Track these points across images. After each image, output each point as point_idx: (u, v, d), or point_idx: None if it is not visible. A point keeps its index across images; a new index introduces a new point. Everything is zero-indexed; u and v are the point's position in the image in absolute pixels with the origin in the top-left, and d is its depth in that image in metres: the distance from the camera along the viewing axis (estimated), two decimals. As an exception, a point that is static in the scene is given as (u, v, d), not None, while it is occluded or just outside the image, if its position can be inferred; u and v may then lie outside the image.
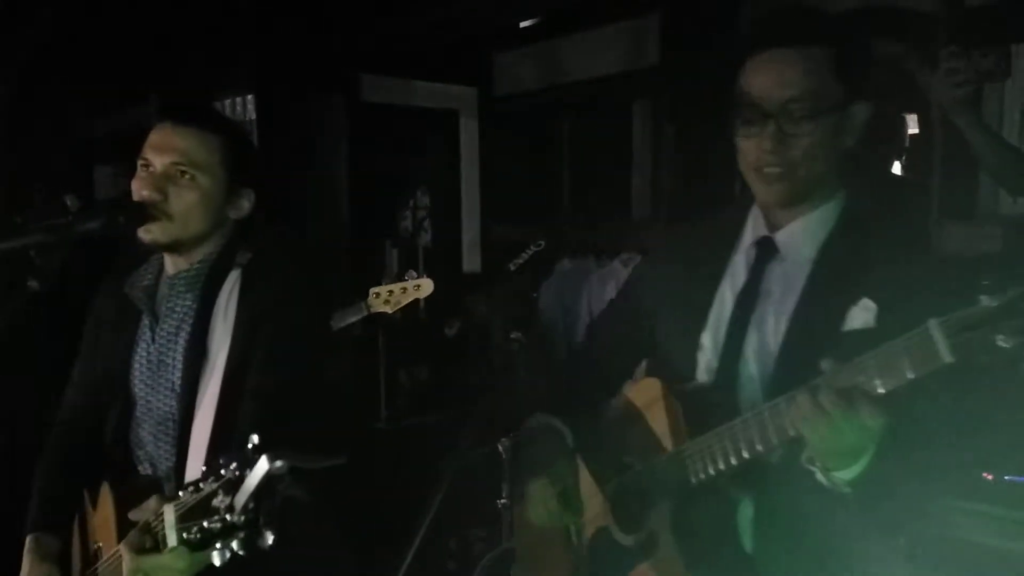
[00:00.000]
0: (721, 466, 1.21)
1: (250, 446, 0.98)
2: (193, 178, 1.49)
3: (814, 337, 1.24)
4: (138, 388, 1.56)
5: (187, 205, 1.49)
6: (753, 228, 1.41)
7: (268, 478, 0.94)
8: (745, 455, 1.19)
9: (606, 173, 4.65)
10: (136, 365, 1.57)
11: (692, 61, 3.98)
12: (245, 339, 1.49)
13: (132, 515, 1.22)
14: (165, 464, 1.53)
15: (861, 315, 1.22)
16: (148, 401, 1.55)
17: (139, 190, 1.48)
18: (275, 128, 4.20)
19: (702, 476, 1.24)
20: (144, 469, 1.57)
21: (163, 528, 1.08)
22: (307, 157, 4.32)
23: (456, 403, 4.69)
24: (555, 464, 1.46)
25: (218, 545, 0.97)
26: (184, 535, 1.01)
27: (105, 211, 1.42)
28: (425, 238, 5.01)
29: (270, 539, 0.95)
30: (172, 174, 1.48)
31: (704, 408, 1.28)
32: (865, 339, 1.11)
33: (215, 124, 1.53)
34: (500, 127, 5.03)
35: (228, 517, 0.96)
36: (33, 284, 1.31)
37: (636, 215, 4.48)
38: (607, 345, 1.55)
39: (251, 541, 0.96)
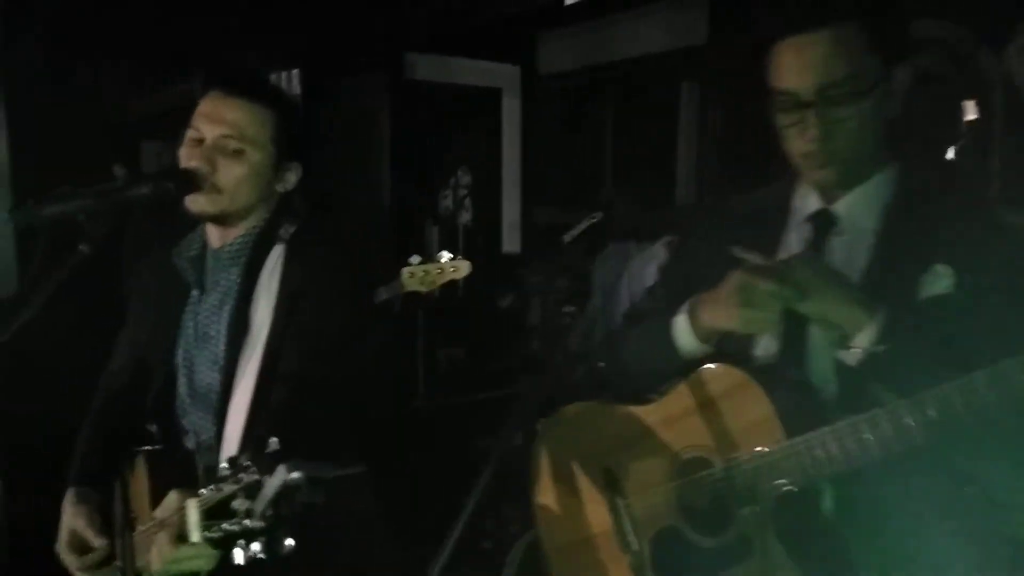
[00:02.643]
0: (831, 468, 1.16)
1: (269, 450, 1.01)
2: (242, 151, 1.48)
3: None
4: (182, 358, 1.57)
5: (236, 178, 1.48)
6: (804, 203, 1.36)
7: (285, 487, 0.96)
8: (860, 459, 1.14)
9: (650, 155, 4.58)
10: (181, 336, 1.57)
11: (742, 41, 3.89)
12: (286, 314, 1.49)
13: (158, 512, 1.26)
14: (207, 434, 1.54)
15: (937, 281, 1.18)
16: (191, 372, 1.56)
17: (188, 159, 1.47)
18: (320, 104, 4.20)
19: (807, 477, 1.18)
20: (187, 439, 1.58)
21: (186, 522, 1.12)
22: (350, 134, 4.32)
23: (494, 383, 4.70)
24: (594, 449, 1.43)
25: (240, 543, 1.00)
26: (206, 532, 1.05)
27: (155, 178, 1.42)
28: (465, 217, 4.99)
29: (289, 545, 0.99)
30: (222, 146, 1.47)
31: (791, 399, 1.22)
32: (945, 305, 1.08)
33: (267, 96, 1.52)
34: (543, 107, 4.97)
35: (247, 522, 0.99)
36: (84, 248, 1.31)
37: (680, 198, 4.41)
38: (649, 331, 1.49)
39: (271, 546, 0.99)
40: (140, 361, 1.65)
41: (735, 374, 1.25)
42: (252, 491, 1.00)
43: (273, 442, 1.02)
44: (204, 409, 1.53)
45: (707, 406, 1.27)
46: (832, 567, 1.20)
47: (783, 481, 1.19)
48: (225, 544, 1.02)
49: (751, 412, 1.22)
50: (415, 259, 3.24)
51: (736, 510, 1.25)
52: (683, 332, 1.35)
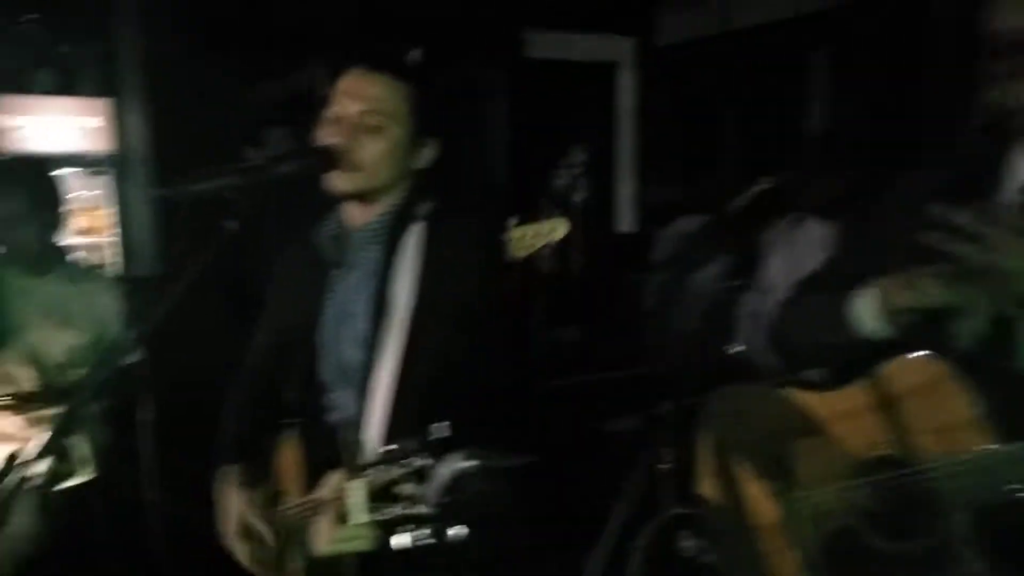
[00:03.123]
0: None
1: (438, 436, 0.99)
2: (382, 127, 1.46)
3: None
4: (324, 336, 1.57)
5: (376, 155, 1.46)
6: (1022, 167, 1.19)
7: (460, 475, 0.95)
8: None
9: (776, 128, 4.36)
10: (324, 314, 1.57)
11: (878, 3, 3.64)
12: (429, 292, 1.46)
13: (321, 492, 1.26)
14: (350, 411, 1.53)
15: None
16: (334, 350, 1.56)
17: (331, 136, 1.46)
18: (439, 86, 4.20)
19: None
20: (330, 415, 1.58)
21: (349, 503, 1.11)
22: (468, 113, 4.31)
23: (611, 364, 4.62)
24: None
25: (408, 527, 1.00)
26: (373, 515, 1.04)
27: (298, 155, 1.42)
28: (580, 196, 4.90)
29: (461, 532, 0.98)
30: (362, 122, 1.45)
31: (1002, 396, 1.09)
32: None
33: (407, 71, 1.49)
34: (660, 80, 4.82)
35: (419, 509, 0.99)
36: (231, 225, 1.32)
37: (808, 173, 4.18)
38: (822, 306, 1.35)
39: (442, 532, 0.98)
40: (283, 338, 1.67)
41: (938, 365, 1.12)
42: (421, 476, 0.98)
43: (441, 427, 0.98)
44: (348, 386, 1.53)
45: (902, 399, 1.15)
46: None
47: (992, 489, 1.06)
48: (391, 527, 1.00)
49: (955, 409, 1.09)
50: (512, 223, 3.21)
51: (930, 516, 1.13)
52: (867, 311, 1.22)
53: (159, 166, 4.03)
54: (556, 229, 3.24)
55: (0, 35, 4.63)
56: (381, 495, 1.02)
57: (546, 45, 4.54)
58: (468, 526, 0.96)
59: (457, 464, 0.94)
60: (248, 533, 1.56)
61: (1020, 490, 1.03)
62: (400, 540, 0.99)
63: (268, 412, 1.64)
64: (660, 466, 2.97)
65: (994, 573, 1.08)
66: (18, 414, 2.35)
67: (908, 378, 1.16)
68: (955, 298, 1.10)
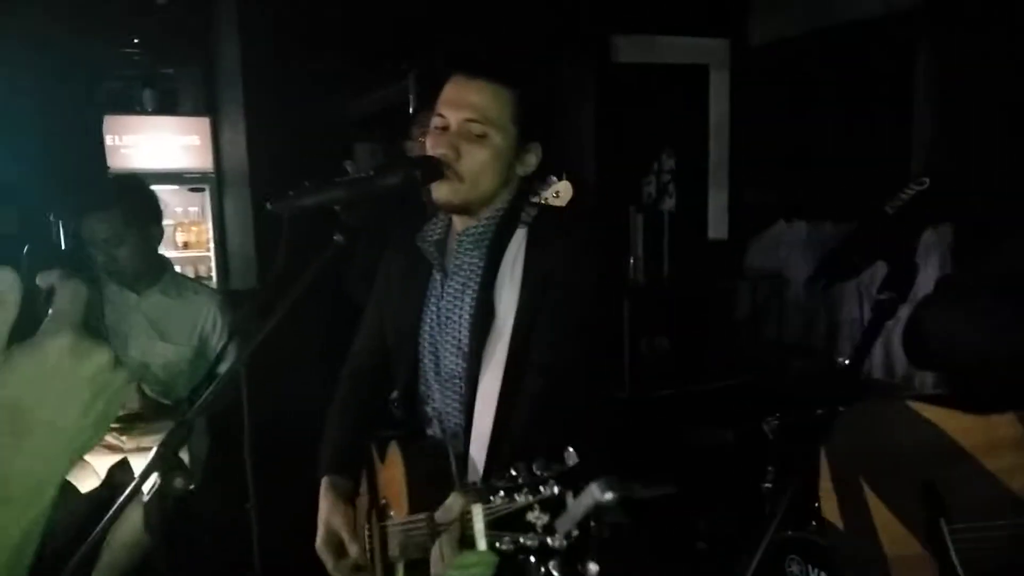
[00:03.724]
0: None
1: (571, 462, 0.92)
2: (486, 135, 1.42)
3: None
4: (426, 343, 1.54)
5: (479, 164, 1.43)
6: None
7: (597, 509, 0.86)
8: None
9: (880, 128, 4.16)
10: (425, 320, 1.54)
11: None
12: (533, 300, 1.41)
13: (438, 516, 1.20)
14: (453, 421, 1.49)
15: None
16: (435, 357, 1.53)
17: (434, 147, 1.43)
18: (542, 91, 4.17)
19: None
20: (431, 426, 1.55)
21: (469, 528, 1.05)
22: (560, 119, 4.26)
23: (700, 375, 4.49)
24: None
25: (532, 560, 0.93)
26: (496, 544, 0.97)
27: (403, 167, 1.39)
28: (669, 203, 4.79)
29: (594, 571, 0.89)
30: (466, 131, 1.42)
31: None
32: None
33: (509, 76, 1.45)
34: (754, 81, 4.66)
35: (548, 540, 0.91)
36: (339, 239, 1.30)
37: (916, 174, 3.96)
38: (987, 316, 1.23)
39: (571, 568, 0.90)
40: (384, 345, 1.65)
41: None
42: (551, 506, 0.92)
43: (571, 454, 0.92)
44: (450, 395, 1.50)
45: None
46: None
47: None
48: (515, 556, 0.95)
49: None
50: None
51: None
52: None
53: (256, 182, 4.13)
54: (560, 193, 3.12)
55: (105, 57, 4.85)
56: (507, 523, 0.96)
57: (636, 49, 4.46)
58: (599, 562, 0.89)
59: (593, 496, 0.87)
60: (338, 546, 1.54)
61: None
62: (532, 570, 0.93)
63: (369, 421, 1.62)
64: (764, 484, 2.85)
65: None
66: (124, 435, 2.42)
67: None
68: None
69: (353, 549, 1.53)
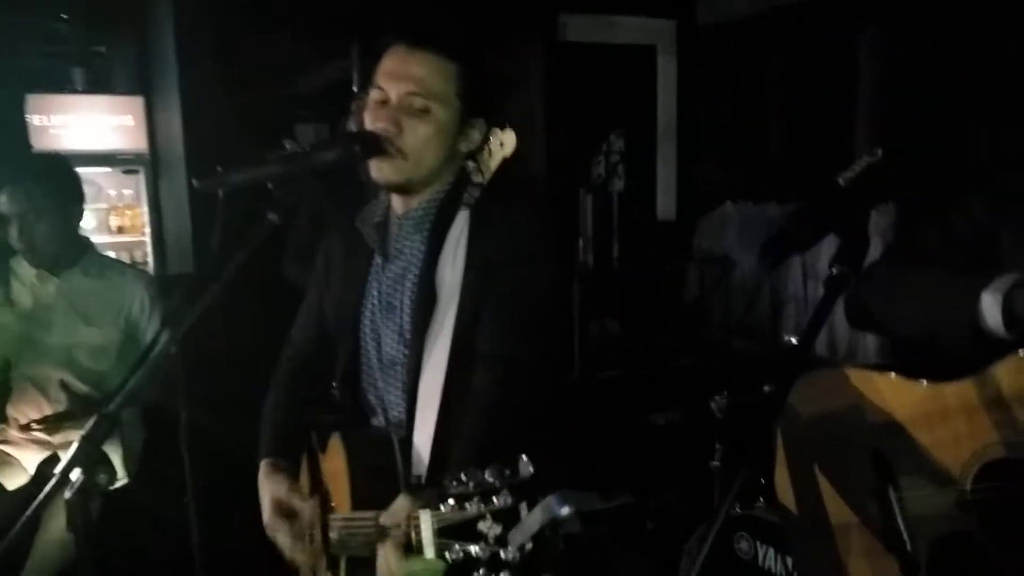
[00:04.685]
0: None
1: (524, 472, 0.90)
2: (428, 110, 1.36)
3: None
4: (367, 329, 1.48)
5: (422, 140, 1.36)
6: None
7: (552, 522, 0.85)
8: None
9: (825, 109, 4.20)
10: (366, 305, 1.48)
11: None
12: (476, 283, 1.36)
13: (383, 519, 1.17)
14: (395, 410, 1.44)
15: None
16: (377, 343, 1.47)
17: (374, 122, 1.36)
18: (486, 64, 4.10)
19: None
20: (375, 414, 1.49)
21: (418, 534, 1.02)
22: (504, 100, 4.20)
23: (652, 357, 4.50)
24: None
25: (482, 572, 0.90)
26: (445, 552, 0.94)
27: (340, 142, 1.32)
28: (619, 184, 4.77)
29: None
30: (407, 104, 1.35)
31: None
32: None
33: (452, 48, 1.39)
34: (701, 62, 4.67)
35: (500, 553, 0.89)
36: (272, 217, 1.23)
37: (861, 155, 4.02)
38: (939, 290, 1.21)
39: None
40: (324, 330, 1.58)
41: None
42: (504, 517, 0.89)
43: (524, 462, 0.90)
44: (393, 383, 1.44)
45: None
46: None
47: None
48: (463, 568, 0.91)
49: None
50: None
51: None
52: (991, 312, 1.12)
53: (193, 163, 3.99)
54: (505, 142, 3.08)
55: (34, 34, 4.62)
56: (456, 531, 0.92)
57: (584, 28, 4.41)
58: (555, 573, 0.86)
59: (550, 510, 0.83)
60: (289, 514, 1.48)
61: None
62: None
63: (309, 408, 1.56)
64: (712, 463, 2.86)
65: None
66: (52, 433, 2.30)
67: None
68: None
69: (305, 505, 1.46)
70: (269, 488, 1.52)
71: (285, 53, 4.24)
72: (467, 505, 0.91)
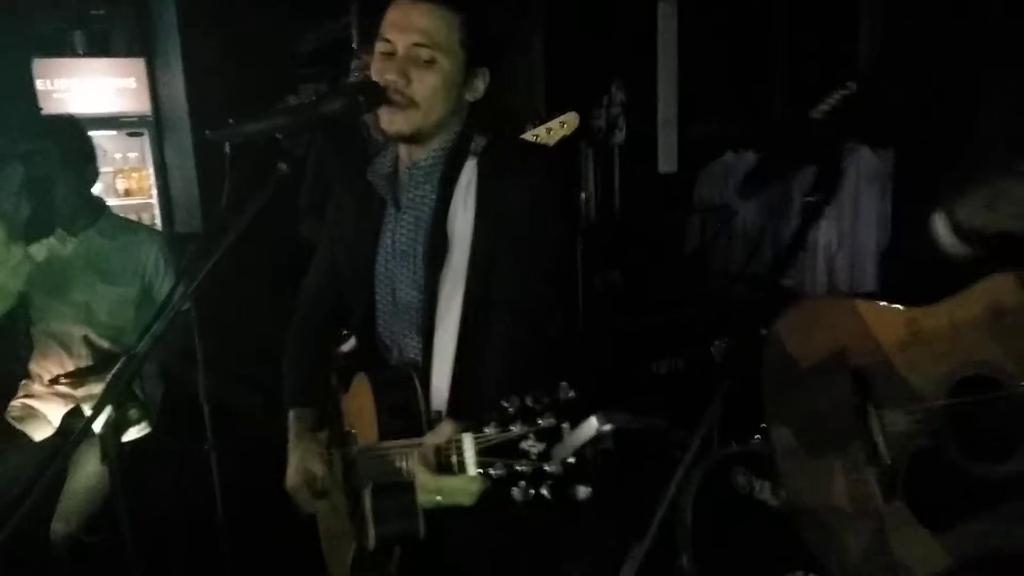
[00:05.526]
0: None
1: (566, 396, 0.98)
2: (434, 60, 1.40)
3: None
4: (382, 276, 1.54)
5: (431, 89, 1.40)
6: None
7: (595, 438, 0.94)
8: None
9: (829, 56, 4.18)
10: (380, 254, 1.54)
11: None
12: (488, 233, 1.41)
13: (428, 438, 1.23)
14: (411, 353, 1.51)
15: None
16: (392, 290, 1.53)
17: (382, 73, 1.40)
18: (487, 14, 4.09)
19: None
20: (391, 357, 1.56)
21: (460, 455, 1.11)
22: (504, 46, 4.20)
23: (654, 308, 4.56)
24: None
25: (523, 484, 0.99)
26: (489, 470, 1.02)
27: (346, 92, 1.36)
28: (619, 136, 4.78)
29: (585, 493, 0.97)
30: (414, 56, 1.39)
31: None
32: None
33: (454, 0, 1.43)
34: (702, 13, 4.64)
35: (544, 467, 0.97)
36: (282, 167, 1.28)
37: (863, 104, 4.02)
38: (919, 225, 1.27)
39: (563, 491, 0.97)
40: (336, 281, 1.65)
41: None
42: (549, 435, 0.97)
43: (565, 386, 0.98)
44: (408, 327, 1.51)
45: (1000, 317, 1.10)
46: None
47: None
48: (505, 483, 1.00)
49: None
50: (530, 127, 3.15)
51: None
52: (943, 230, 1.18)
53: (197, 124, 4.02)
54: (567, 122, 3.16)
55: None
56: (498, 451, 1.01)
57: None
58: (591, 485, 0.95)
59: (593, 427, 0.93)
60: (311, 480, 1.57)
61: None
62: (518, 493, 0.98)
63: (327, 352, 1.63)
64: (713, 405, 2.94)
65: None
66: (76, 388, 2.39)
67: (1013, 297, 1.09)
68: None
69: (322, 477, 1.55)
70: (294, 444, 1.60)
71: (287, 11, 4.24)
72: (511, 428, 1.00)
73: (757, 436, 2.45)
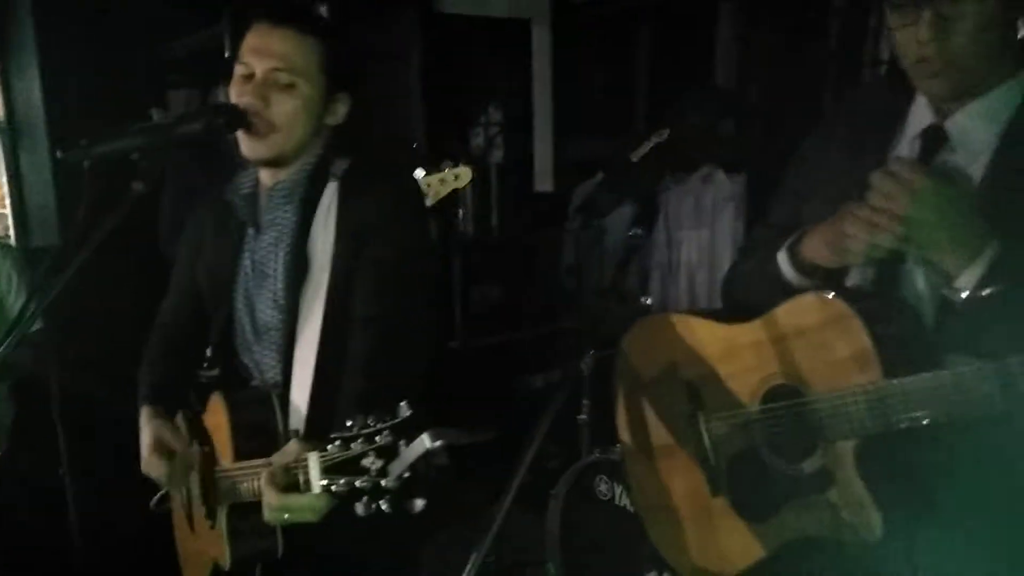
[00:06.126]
0: (927, 415, 1.10)
1: (403, 415, 1.04)
2: (294, 84, 1.43)
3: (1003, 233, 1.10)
4: (240, 297, 1.55)
5: (289, 113, 1.43)
6: (918, 116, 1.27)
7: (427, 454, 1.01)
8: (959, 411, 1.07)
9: (689, 81, 4.45)
10: (239, 274, 1.55)
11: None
12: (347, 253, 1.45)
13: (275, 457, 1.28)
14: (271, 373, 1.52)
15: None
16: (251, 310, 1.54)
17: (240, 96, 1.42)
18: (348, 39, 4.10)
19: (904, 423, 1.11)
20: (251, 377, 1.57)
21: (305, 474, 1.16)
22: (379, 70, 4.23)
23: (531, 321, 4.69)
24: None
25: (364, 499, 1.04)
26: (332, 486, 1.08)
27: (205, 114, 1.38)
28: (497, 155, 4.90)
29: (420, 505, 1.04)
30: (273, 80, 1.42)
31: (891, 336, 1.15)
32: None
33: (313, 25, 1.46)
34: (574, 36, 4.83)
35: (382, 482, 1.03)
36: (138, 186, 1.28)
37: (719, 129, 4.29)
38: (759, 265, 1.40)
39: (399, 505, 1.04)
40: (193, 300, 1.64)
41: (835, 305, 1.18)
42: (386, 452, 1.03)
43: (403, 407, 1.04)
44: (268, 347, 1.52)
45: (802, 334, 1.22)
46: (911, 511, 1.17)
47: (874, 420, 1.14)
48: (348, 499, 1.05)
49: (848, 345, 1.16)
50: (419, 172, 3.21)
51: (820, 442, 1.22)
52: (786, 267, 1.32)
53: (55, 132, 3.83)
54: (460, 175, 3.23)
55: None
56: (341, 468, 1.06)
57: (460, 2, 4.48)
58: (426, 498, 1.02)
59: (424, 444, 1.00)
60: (168, 453, 1.52)
61: (909, 420, 1.12)
62: (360, 508, 1.04)
63: (183, 366, 1.62)
64: (579, 417, 3.07)
65: (876, 493, 1.18)
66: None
67: (810, 315, 1.23)
68: (870, 254, 1.18)
69: (182, 446, 1.52)
70: (150, 429, 1.55)
71: (154, 16, 4.10)
72: (352, 445, 1.06)
73: (618, 444, 2.58)
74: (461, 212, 4.67)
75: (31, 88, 4.05)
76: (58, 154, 1.31)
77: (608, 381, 1.62)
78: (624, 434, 1.55)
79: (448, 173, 3.21)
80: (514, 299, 4.80)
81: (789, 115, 3.84)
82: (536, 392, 4.57)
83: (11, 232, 4.52)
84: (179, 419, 1.59)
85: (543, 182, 5.17)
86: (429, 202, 3.26)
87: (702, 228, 3.94)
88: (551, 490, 2.78)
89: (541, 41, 4.85)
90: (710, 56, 4.30)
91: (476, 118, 4.89)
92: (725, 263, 3.95)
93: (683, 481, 1.43)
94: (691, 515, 1.42)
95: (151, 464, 1.54)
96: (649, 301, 3.69)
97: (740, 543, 1.33)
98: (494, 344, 4.60)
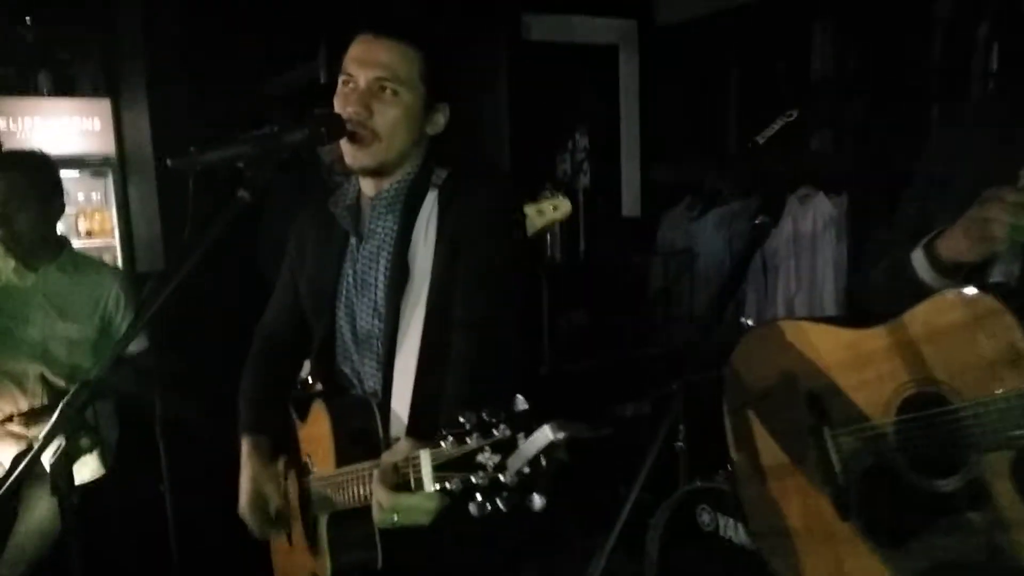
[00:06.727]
0: None
1: (520, 407, 0.99)
2: (396, 93, 1.43)
3: None
4: (342, 307, 1.55)
5: (392, 122, 1.44)
6: None
7: (549, 447, 0.94)
8: None
9: (780, 105, 4.32)
10: (341, 284, 1.55)
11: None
12: (447, 261, 1.43)
13: (385, 456, 1.23)
14: (371, 381, 1.51)
15: None
16: (352, 320, 1.54)
17: (344, 107, 1.44)
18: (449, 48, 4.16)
19: None
20: (351, 386, 1.56)
21: (417, 472, 1.10)
22: (467, 98, 4.27)
23: (619, 347, 4.59)
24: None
25: (479, 498, 0.99)
26: (446, 484, 1.02)
27: (309, 123, 1.39)
28: (584, 181, 4.87)
29: (540, 503, 0.97)
30: (376, 89, 1.43)
31: None
32: None
33: (416, 35, 1.47)
34: (662, 61, 4.78)
35: (500, 477, 0.98)
36: (244, 195, 1.29)
37: (815, 148, 4.15)
38: (891, 268, 1.31)
39: (518, 502, 0.98)
40: (296, 313, 1.65)
41: (983, 301, 1.08)
42: (504, 447, 0.98)
43: (520, 399, 0.99)
44: (368, 356, 1.51)
45: (945, 335, 1.12)
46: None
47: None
48: (462, 497, 1.00)
49: (1000, 344, 1.06)
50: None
51: (970, 455, 1.11)
52: (922, 267, 1.23)
53: (161, 165, 4.00)
54: (559, 207, 3.19)
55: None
56: (455, 465, 1.01)
57: (546, 27, 4.51)
58: (546, 495, 0.96)
59: (546, 435, 0.93)
60: (264, 506, 1.54)
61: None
62: (474, 508, 0.98)
63: (285, 381, 1.63)
64: (676, 443, 2.96)
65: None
66: (30, 427, 2.33)
67: (955, 314, 1.13)
68: (1015, 236, 1.08)
69: (277, 505, 1.53)
70: (249, 471, 1.58)
71: (253, 54, 4.27)
72: (466, 440, 1.01)
73: (721, 472, 2.47)
74: (549, 238, 4.64)
75: (141, 123, 4.27)
76: (168, 162, 1.33)
77: (705, 406, 1.53)
78: (737, 455, 1.45)
79: (547, 204, 3.18)
80: (601, 324, 4.72)
81: (891, 134, 3.68)
82: (626, 419, 4.45)
83: (119, 262, 4.74)
84: (280, 466, 1.59)
85: (631, 207, 5.11)
86: (528, 232, 3.24)
87: (801, 251, 3.80)
88: (649, 519, 2.68)
89: (628, 66, 4.82)
90: (805, 74, 4.18)
91: (563, 144, 4.87)
92: (827, 290, 3.79)
93: (805, 504, 1.32)
94: (815, 541, 1.31)
95: (247, 515, 1.56)
96: (751, 322, 3.56)
97: (870, 571, 1.22)
98: (583, 370, 4.52)
